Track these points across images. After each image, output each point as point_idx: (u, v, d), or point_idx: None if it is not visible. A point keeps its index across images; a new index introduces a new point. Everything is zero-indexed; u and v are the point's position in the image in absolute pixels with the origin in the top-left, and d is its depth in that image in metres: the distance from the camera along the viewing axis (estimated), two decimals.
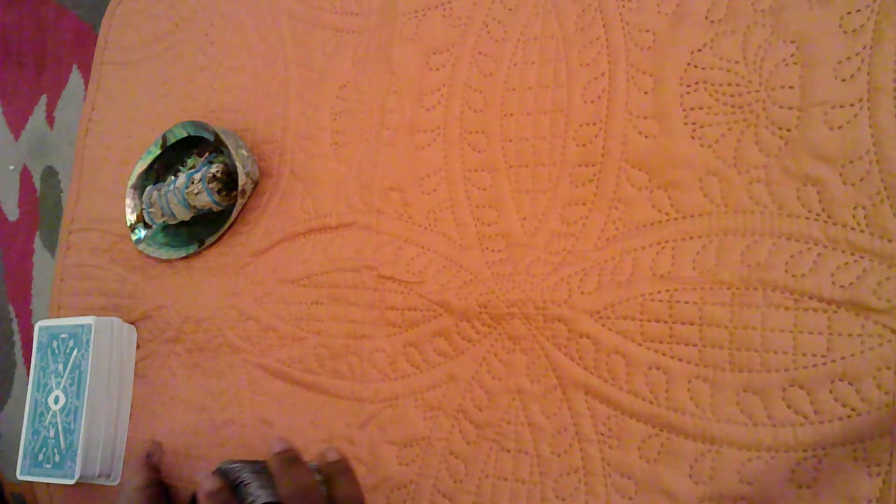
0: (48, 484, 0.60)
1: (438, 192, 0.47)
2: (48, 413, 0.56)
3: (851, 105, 0.36)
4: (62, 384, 0.55)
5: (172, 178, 0.56)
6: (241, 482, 0.37)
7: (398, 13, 0.50)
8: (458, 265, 0.45)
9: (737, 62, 0.39)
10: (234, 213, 0.53)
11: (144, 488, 0.49)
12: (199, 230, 0.57)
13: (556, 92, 0.44)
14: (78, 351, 0.55)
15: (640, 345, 0.39)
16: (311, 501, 0.36)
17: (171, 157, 0.59)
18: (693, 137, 0.40)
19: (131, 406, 0.57)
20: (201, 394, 0.54)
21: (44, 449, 0.55)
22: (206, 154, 0.57)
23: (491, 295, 0.44)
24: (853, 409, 0.34)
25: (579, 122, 0.43)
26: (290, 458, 0.37)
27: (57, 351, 0.56)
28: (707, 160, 0.39)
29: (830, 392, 0.35)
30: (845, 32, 0.37)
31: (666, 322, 0.39)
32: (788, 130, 0.37)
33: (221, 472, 0.38)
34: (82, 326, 0.55)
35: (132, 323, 0.58)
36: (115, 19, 0.67)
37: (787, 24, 0.38)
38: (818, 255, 0.36)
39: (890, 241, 0.35)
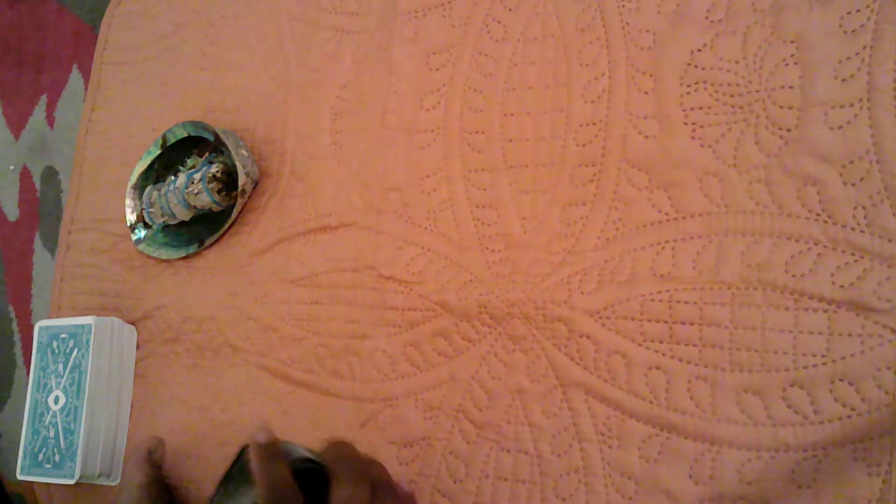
0: (48, 484, 0.59)
1: (438, 192, 0.47)
2: (48, 413, 0.56)
3: (851, 105, 0.36)
4: (62, 384, 0.55)
5: (172, 178, 0.56)
6: (287, 443, 0.37)
7: (398, 13, 0.50)
8: (458, 265, 0.45)
9: (737, 62, 0.39)
10: (234, 213, 0.53)
11: (146, 485, 0.49)
12: (199, 230, 0.57)
13: (556, 92, 0.44)
14: (78, 351, 0.55)
15: (640, 345, 0.39)
16: (355, 465, 0.36)
17: (171, 157, 0.59)
18: (693, 137, 0.40)
19: (131, 406, 0.57)
20: (201, 394, 0.54)
21: (44, 449, 0.55)
22: (206, 154, 0.57)
23: (491, 295, 0.44)
24: (853, 409, 0.34)
25: (579, 122, 0.43)
26: (341, 440, 0.38)
27: (57, 351, 0.56)
28: (707, 160, 0.39)
29: (830, 392, 0.35)
30: (845, 32, 0.37)
31: (666, 322, 0.39)
32: (788, 130, 0.37)
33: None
34: (82, 326, 0.55)
35: (132, 323, 0.58)
36: (115, 19, 0.67)
37: (787, 24, 0.38)
38: (818, 255, 0.36)
39: (890, 241, 0.35)
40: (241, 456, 0.36)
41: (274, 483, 0.33)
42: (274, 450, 0.34)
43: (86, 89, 0.69)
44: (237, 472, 0.36)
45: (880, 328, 0.34)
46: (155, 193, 0.57)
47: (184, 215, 0.56)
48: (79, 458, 0.53)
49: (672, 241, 0.40)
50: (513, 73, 0.46)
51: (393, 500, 0.36)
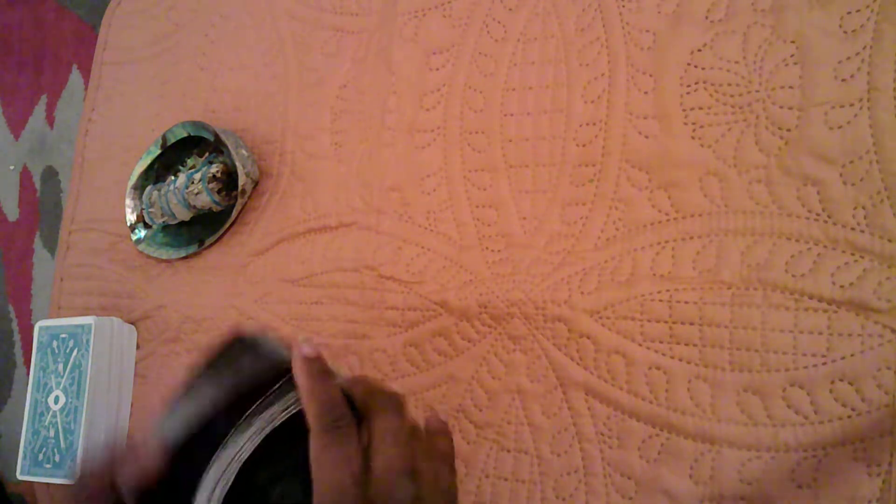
0: (48, 484, 0.59)
1: (438, 192, 0.47)
2: (48, 413, 0.56)
3: (851, 105, 0.36)
4: (62, 384, 0.55)
5: (172, 178, 0.56)
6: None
7: (398, 13, 0.50)
8: (458, 265, 0.45)
9: (737, 62, 0.39)
10: (234, 213, 0.53)
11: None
12: (199, 230, 0.57)
13: (556, 92, 0.44)
14: (78, 351, 0.55)
15: (640, 345, 0.39)
16: (391, 397, 0.32)
17: (171, 157, 0.59)
18: (693, 137, 0.40)
19: (131, 406, 0.57)
20: None
21: (44, 449, 0.55)
22: (206, 154, 0.57)
23: (491, 295, 0.44)
24: (853, 409, 0.34)
25: (579, 122, 0.43)
26: (365, 376, 0.35)
27: (57, 351, 0.56)
28: (707, 160, 0.39)
29: (830, 392, 0.35)
30: (845, 32, 0.37)
31: (666, 322, 0.39)
32: (788, 130, 0.37)
33: None
34: (82, 326, 0.55)
35: (132, 323, 0.58)
36: (115, 19, 0.67)
37: (787, 24, 0.38)
38: (818, 255, 0.36)
39: (890, 241, 0.35)
40: (229, 348, 0.31)
41: (326, 401, 0.30)
42: (323, 365, 0.31)
43: (86, 89, 0.69)
44: (221, 363, 0.31)
45: (880, 328, 0.34)
46: (155, 193, 0.57)
47: (184, 215, 0.56)
48: (79, 458, 0.53)
49: (672, 241, 0.40)
50: (513, 73, 0.45)
51: (426, 437, 0.33)
